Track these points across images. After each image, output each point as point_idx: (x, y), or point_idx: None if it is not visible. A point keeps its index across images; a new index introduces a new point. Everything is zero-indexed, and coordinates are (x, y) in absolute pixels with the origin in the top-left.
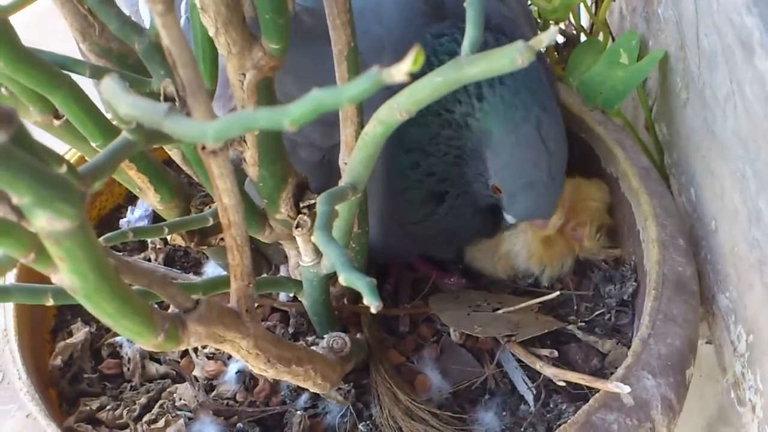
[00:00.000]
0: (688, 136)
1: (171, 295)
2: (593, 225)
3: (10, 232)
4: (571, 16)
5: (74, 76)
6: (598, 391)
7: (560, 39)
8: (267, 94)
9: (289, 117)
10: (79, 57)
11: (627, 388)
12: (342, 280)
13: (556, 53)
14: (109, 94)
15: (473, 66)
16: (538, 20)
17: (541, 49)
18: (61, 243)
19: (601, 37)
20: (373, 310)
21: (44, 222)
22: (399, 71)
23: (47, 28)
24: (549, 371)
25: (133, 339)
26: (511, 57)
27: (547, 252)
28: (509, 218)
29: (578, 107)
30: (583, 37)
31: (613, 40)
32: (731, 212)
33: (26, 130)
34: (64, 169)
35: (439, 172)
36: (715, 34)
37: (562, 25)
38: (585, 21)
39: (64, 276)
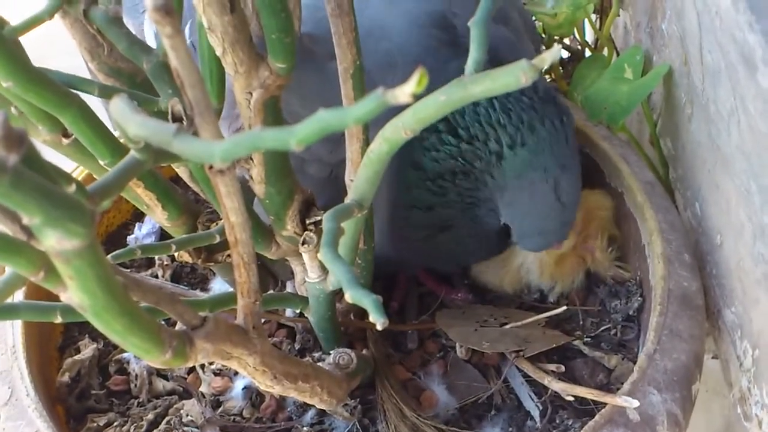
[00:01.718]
0: (693, 150)
1: (179, 312)
2: (603, 236)
3: (20, 252)
4: (575, 31)
5: (82, 95)
6: (604, 406)
7: (565, 54)
8: (273, 112)
9: (295, 137)
10: (86, 74)
11: (636, 402)
12: (348, 297)
13: (560, 68)
14: (118, 114)
15: (477, 85)
16: (543, 35)
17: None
18: (71, 262)
19: (605, 52)
20: (379, 327)
21: (54, 241)
22: (403, 92)
23: (53, 44)
24: (557, 386)
25: (142, 356)
26: (515, 75)
27: (559, 267)
28: (519, 247)
29: (582, 122)
30: (587, 52)
31: (618, 55)
32: (736, 227)
33: (36, 150)
34: (73, 188)
35: (445, 216)
36: (719, 51)
37: (566, 40)
38: (590, 36)
39: (73, 294)
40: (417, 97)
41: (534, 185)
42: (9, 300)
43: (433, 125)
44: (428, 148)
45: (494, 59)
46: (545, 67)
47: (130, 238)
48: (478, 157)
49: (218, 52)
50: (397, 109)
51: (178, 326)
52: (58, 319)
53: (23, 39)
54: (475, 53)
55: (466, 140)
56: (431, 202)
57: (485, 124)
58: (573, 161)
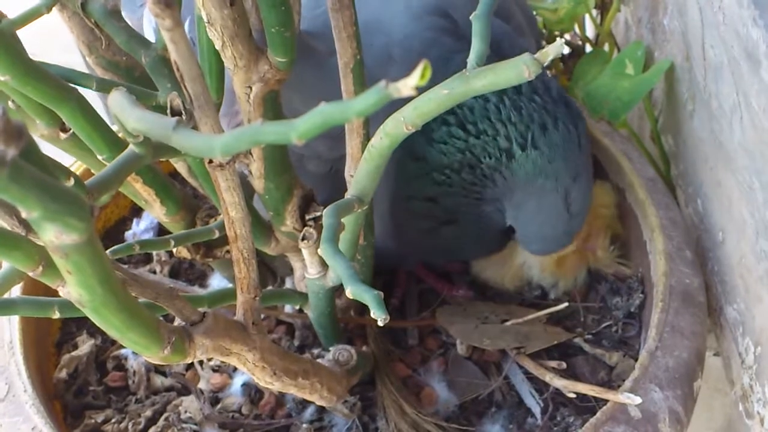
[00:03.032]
0: (695, 147)
1: (178, 308)
2: (607, 235)
3: (18, 246)
4: (576, 26)
5: (80, 90)
6: (605, 404)
7: (566, 50)
8: (273, 107)
9: (296, 131)
10: (84, 69)
11: (638, 399)
12: (349, 293)
13: (561, 64)
14: (117, 108)
15: (480, 79)
16: (544, 31)
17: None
18: (70, 256)
19: (606, 47)
20: (380, 323)
21: (53, 236)
22: (406, 86)
23: (52, 40)
24: (559, 383)
25: (140, 352)
26: (518, 70)
27: (561, 266)
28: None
29: (582, 115)
30: (588, 48)
31: (619, 50)
32: (738, 224)
33: (35, 144)
34: (71, 182)
35: (449, 207)
36: (721, 46)
37: (567, 36)
38: (590, 32)
39: (72, 289)
40: (420, 91)
41: (544, 193)
42: (6, 295)
43: (442, 117)
44: (437, 140)
45: (496, 54)
46: (548, 61)
47: (128, 234)
48: (486, 152)
49: (218, 46)
50: (398, 104)
51: (177, 322)
52: (56, 315)
53: (21, 35)
54: (477, 47)
55: (475, 135)
56: (435, 192)
57: (495, 120)
58: (585, 171)
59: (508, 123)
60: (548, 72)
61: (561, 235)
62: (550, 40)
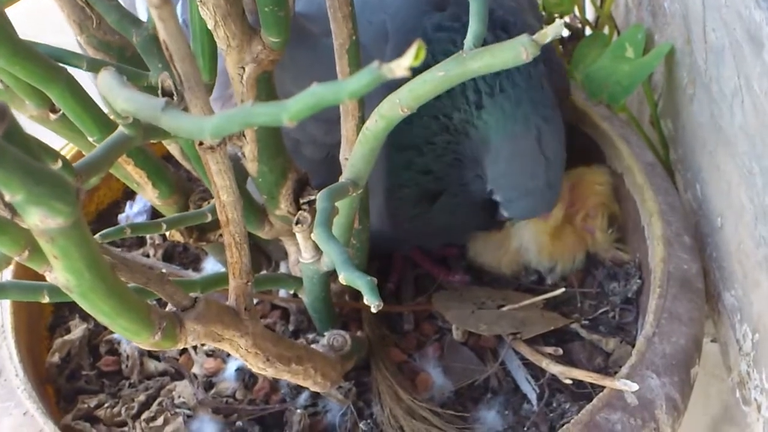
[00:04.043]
0: (695, 131)
1: (169, 293)
2: (604, 216)
3: (3, 230)
4: (576, 9)
5: (71, 70)
6: (601, 390)
7: (565, 32)
8: (266, 88)
9: (288, 112)
10: (75, 50)
11: (634, 386)
12: (342, 278)
13: (560, 47)
14: (106, 89)
15: (476, 60)
16: (543, 13)
17: (550, 44)
18: (56, 241)
19: (606, 30)
20: (373, 310)
21: (38, 219)
22: (399, 66)
23: (43, 20)
24: (555, 369)
25: (130, 338)
26: (516, 51)
27: (558, 246)
28: (506, 215)
29: (583, 102)
30: (588, 31)
31: (619, 33)
32: (737, 209)
33: (18, 125)
34: (59, 164)
35: (435, 171)
36: (723, 29)
37: (567, 19)
38: (590, 14)
39: (59, 274)
40: (414, 71)
41: (517, 138)
42: None
43: None
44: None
45: (495, 34)
46: (546, 42)
47: (121, 217)
48: (456, 107)
49: (210, 26)
50: (393, 85)
51: (168, 307)
52: (46, 299)
53: (11, 14)
54: (474, 27)
55: (446, 93)
56: (422, 166)
57: None
58: (553, 113)
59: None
60: None
61: (543, 187)
62: (550, 22)
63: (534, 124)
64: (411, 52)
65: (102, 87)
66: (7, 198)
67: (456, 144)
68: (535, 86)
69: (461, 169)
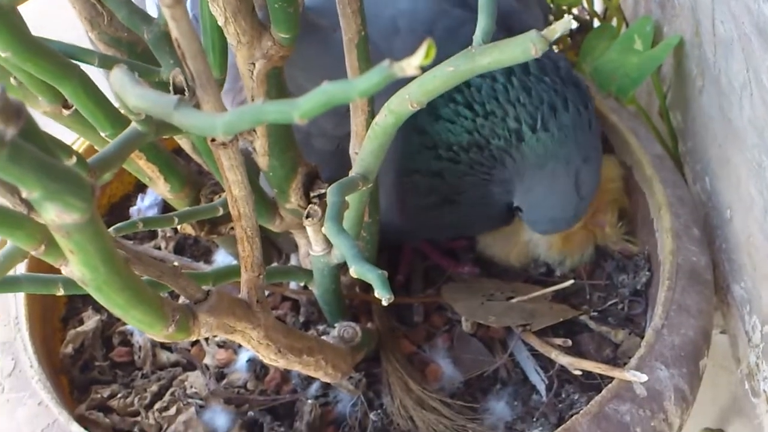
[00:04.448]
0: (704, 124)
1: (182, 286)
2: (614, 210)
3: (20, 225)
4: (584, 0)
5: (83, 66)
6: (610, 381)
7: (573, 24)
8: (277, 83)
9: (299, 110)
10: (86, 46)
11: (644, 377)
12: (353, 272)
13: (569, 39)
14: (118, 86)
15: (485, 56)
16: (551, 5)
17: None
18: (71, 236)
19: (614, 22)
20: (384, 303)
21: (54, 215)
22: (410, 65)
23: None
24: (564, 360)
25: (144, 330)
26: (524, 47)
27: (568, 242)
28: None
29: (591, 94)
30: (596, 23)
31: (627, 25)
32: (747, 202)
33: (34, 123)
34: (73, 160)
35: (454, 184)
36: (732, 21)
37: (575, 10)
38: (598, 6)
39: (75, 268)
40: (424, 68)
41: (555, 177)
42: (11, 272)
43: (449, 95)
44: (443, 117)
45: (504, 29)
46: (555, 38)
47: (132, 210)
48: (495, 134)
49: (220, 22)
50: (403, 80)
51: (181, 300)
52: (60, 292)
53: (23, 11)
54: (483, 23)
55: (483, 115)
56: (439, 167)
57: (503, 101)
58: (595, 152)
59: (517, 104)
60: (555, 47)
61: (570, 218)
62: (558, 14)
63: (574, 167)
64: (421, 50)
65: (115, 84)
66: (24, 194)
67: (490, 167)
68: (582, 127)
69: (489, 186)
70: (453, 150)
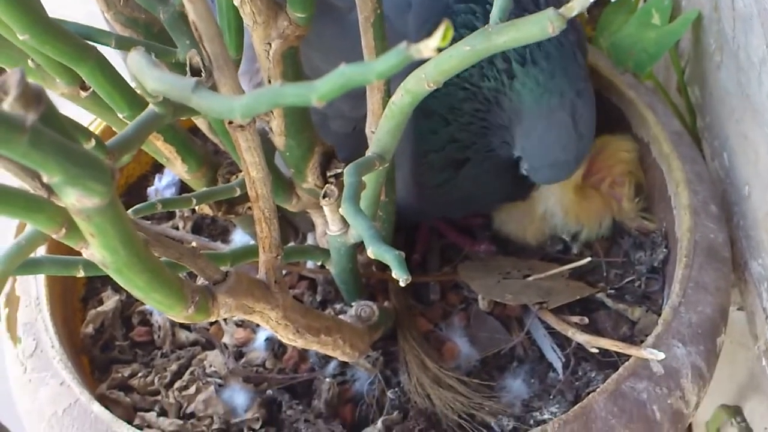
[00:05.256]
0: (722, 99)
1: (201, 267)
2: (631, 184)
3: (41, 209)
4: None
5: (99, 47)
6: (627, 359)
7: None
8: (293, 63)
9: (317, 93)
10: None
11: (661, 355)
12: (371, 253)
13: (585, 13)
14: (136, 69)
15: (502, 35)
16: None
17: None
18: (92, 219)
19: None
20: (402, 284)
21: (74, 199)
22: (427, 47)
23: None
24: (581, 338)
25: (164, 311)
26: (542, 25)
27: (584, 208)
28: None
29: (608, 70)
30: None
31: (645, 0)
32: (765, 178)
33: (54, 107)
34: (92, 143)
35: (461, 139)
36: None
37: None
38: None
39: (95, 251)
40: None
41: (552, 113)
42: (32, 254)
43: None
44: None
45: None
46: (573, 16)
47: (150, 190)
48: (484, 75)
49: (236, 2)
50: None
51: (200, 281)
52: (81, 274)
53: None
54: (500, 1)
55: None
56: (449, 132)
57: None
58: (586, 85)
59: None
60: None
61: (570, 159)
62: None
63: (569, 99)
64: (439, 32)
65: (133, 67)
66: (45, 179)
67: (485, 112)
68: (568, 56)
69: (488, 136)
70: (455, 110)
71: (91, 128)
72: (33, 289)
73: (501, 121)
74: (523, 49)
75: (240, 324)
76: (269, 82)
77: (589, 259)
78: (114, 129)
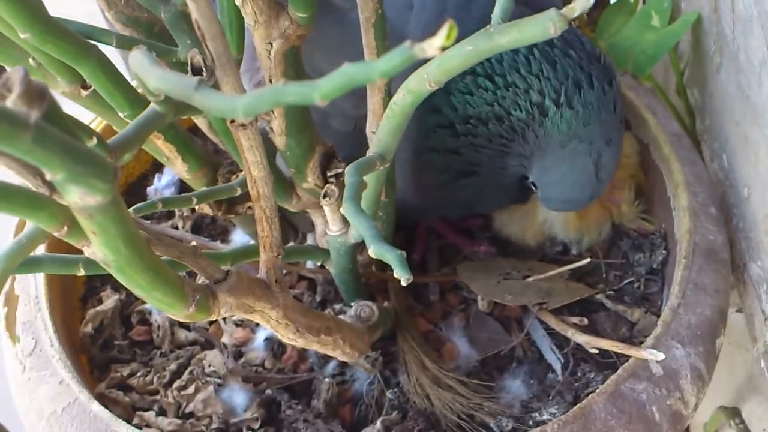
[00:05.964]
0: (722, 101)
1: (202, 266)
2: (631, 187)
3: (43, 207)
4: None
5: (100, 46)
6: (626, 360)
7: (592, 1)
8: (294, 63)
9: (319, 92)
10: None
11: (661, 355)
12: (372, 252)
13: (585, 15)
14: (138, 68)
15: (504, 35)
16: None
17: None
18: (94, 217)
19: None
20: (403, 283)
21: (77, 197)
22: (431, 46)
23: None
24: (581, 338)
25: (165, 310)
26: (544, 26)
27: (584, 219)
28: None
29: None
30: None
31: (645, 1)
32: (764, 179)
33: (57, 105)
34: (93, 142)
35: (467, 156)
36: None
37: None
38: None
39: (97, 249)
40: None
41: (576, 157)
42: (32, 252)
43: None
44: (461, 90)
45: (522, 3)
46: (575, 17)
47: (150, 189)
48: (517, 105)
49: (237, 2)
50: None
51: (201, 280)
52: (81, 272)
53: None
54: (502, 1)
55: (504, 87)
56: (456, 144)
57: (525, 73)
58: (618, 134)
59: (540, 76)
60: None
61: (586, 199)
62: None
63: (597, 148)
64: (443, 31)
65: (135, 66)
66: (48, 177)
67: (508, 140)
68: (607, 107)
69: (504, 158)
70: (470, 123)
71: (92, 127)
72: (32, 287)
73: (522, 151)
74: (560, 87)
75: (239, 324)
76: (270, 81)
77: (588, 260)
78: (115, 128)
